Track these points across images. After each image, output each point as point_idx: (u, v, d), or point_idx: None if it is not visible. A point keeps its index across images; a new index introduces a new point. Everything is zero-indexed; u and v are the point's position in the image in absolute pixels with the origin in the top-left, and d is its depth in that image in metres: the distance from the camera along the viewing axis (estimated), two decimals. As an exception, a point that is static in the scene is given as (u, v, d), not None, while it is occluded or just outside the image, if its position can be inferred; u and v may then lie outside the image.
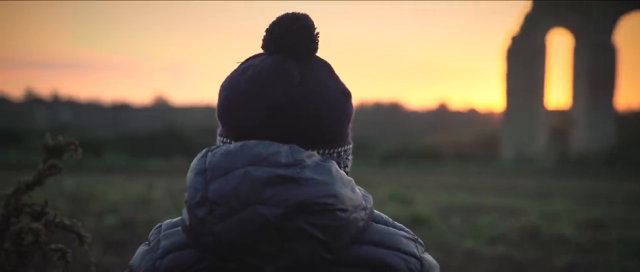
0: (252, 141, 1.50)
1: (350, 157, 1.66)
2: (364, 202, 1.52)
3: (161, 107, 54.10)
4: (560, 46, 50.23)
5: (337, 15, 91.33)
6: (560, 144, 30.85)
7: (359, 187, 1.56)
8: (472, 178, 22.63)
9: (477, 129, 37.64)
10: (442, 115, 47.78)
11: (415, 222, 11.57)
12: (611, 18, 29.86)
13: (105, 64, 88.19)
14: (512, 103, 30.61)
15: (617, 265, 8.93)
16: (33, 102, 49.63)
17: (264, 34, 1.60)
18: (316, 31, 1.59)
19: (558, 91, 67.64)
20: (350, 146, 1.65)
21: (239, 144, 1.50)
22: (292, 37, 1.58)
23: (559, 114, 33.98)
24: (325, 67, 1.61)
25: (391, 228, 1.58)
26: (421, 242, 1.62)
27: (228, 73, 1.63)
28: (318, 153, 1.55)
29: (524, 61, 29.97)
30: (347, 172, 1.64)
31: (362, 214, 1.50)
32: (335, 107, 1.58)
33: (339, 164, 1.60)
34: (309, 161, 1.47)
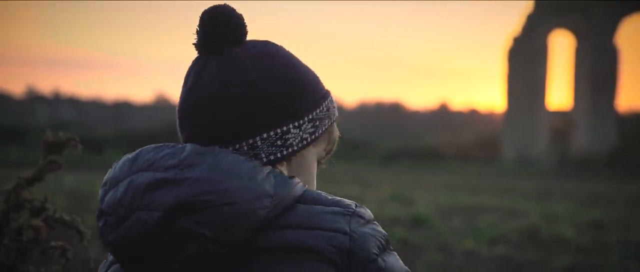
0: (149, 147, 1.56)
1: (284, 138, 1.59)
2: (272, 190, 1.48)
3: (162, 106, 54.14)
4: (561, 47, 50.25)
5: (340, 15, 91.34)
6: (561, 146, 30.85)
7: (281, 171, 1.55)
8: (472, 179, 22.63)
9: (478, 129, 37.64)
10: (443, 115, 47.80)
11: (415, 223, 11.57)
12: (613, 20, 29.85)
13: (106, 62, 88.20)
14: (513, 104, 30.60)
15: (618, 266, 8.93)
16: (34, 99, 49.67)
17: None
18: (227, 23, 1.59)
19: (559, 93, 67.63)
20: (279, 129, 1.58)
21: (136, 151, 1.56)
22: (202, 33, 1.60)
23: (560, 115, 33.97)
24: (231, 61, 1.58)
25: (319, 206, 1.53)
26: (362, 214, 1.54)
27: None
28: (229, 148, 1.56)
29: (526, 62, 29.97)
30: (275, 158, 1.59)
31: (266, 202, 1.46)
32: (233, 102, 1.55)
33: (257, 155, 1.58)
34: (198, 159, 1.49)
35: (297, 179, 1.56)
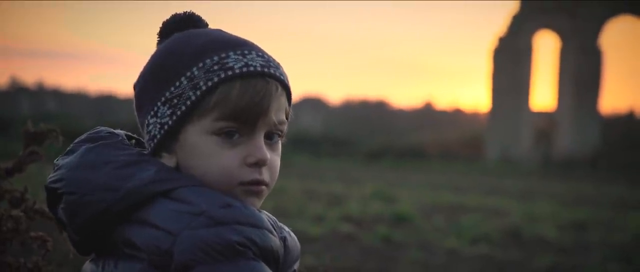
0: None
1: (148, 131, 1.57)
2: (119, 183, 1.45)
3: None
4: (546, 48, 50.37)
5: (325, 13, 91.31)
6: (545, 146, 30.94)
7: (152, 168, 1.48)
8: (456, 177, 22.66)
9: (462, 128, 37.68)
10: (427, 114, 47.78)
11: (398, 220, 11.58)
12: (598, 21, 29.96)
13: (91, 54, 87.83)
14: (497, 103, 30.66)
15: (599, 267, 8.96)
16: (18, 90, 49.37)
17: None
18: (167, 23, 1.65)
19: (543, 93, 67.86)
20: (144, 122, 1.58)
21: None
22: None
23: (544, 115, 34.07)
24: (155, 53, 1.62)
25: (175, 204, 1.41)
26: (213, 215, 1.38)
27: None
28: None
29: (510, 62, 30.02)
30: (151, 148, 1.56)
31: (107, 195, 1.44)
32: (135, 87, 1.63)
33: (142, 151, 1.58)
34: (77, 146, 1.58)
35: (175, 173, 1.49)
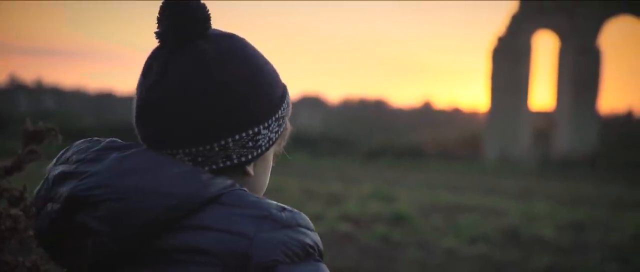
0: (79, 141, 1.61)
1: (255, 140, 1.57)
2: (175, 189, 1.43)
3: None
4: (545, 48, 50.40)
5: (323, 11, 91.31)
6: (543, 145, 30.96)
7: (219, 179, 1.49)
8: (454, 177, 22.69)
9: (461, 128, 37.70)
10: (426, 113, 47.81)
11: (396, 220, 11.59)
12: (596, 21, 29.98)
13: (90, 52, 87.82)
14: (496, 103, 30.67)
15: (596, 267, 8.98)
16: (16, 88, 49.39)
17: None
18: (193, 15, 1.53)
19: (542, 93, 67.88)
20: (250, 130, 1.56)
21: (69, 146, 1.61)
22: (163, 25, 1.54)
23: (542, 115, 34.09)
24: (198, 57, 1.53)
25: (236, 209, 1.45)
26: (278, 218, 1.45)
27: None
28: (179, 153, 1.54)
29: (509, 62, 30.04)
30: (247, 160, 1.57)
31: (162, 201, 1.42)
32: (205, 103, 1.52)
33: (228, 156, 1.55)
34: (104, 155, 1.51)
35: (220, 179, 1.50)
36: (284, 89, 1.65)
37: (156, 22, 1.55)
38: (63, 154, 1.59)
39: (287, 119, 1.67)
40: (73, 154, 1.55)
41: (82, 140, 1.61)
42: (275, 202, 1.51)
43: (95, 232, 1.43)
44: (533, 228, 11.42)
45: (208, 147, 1.54)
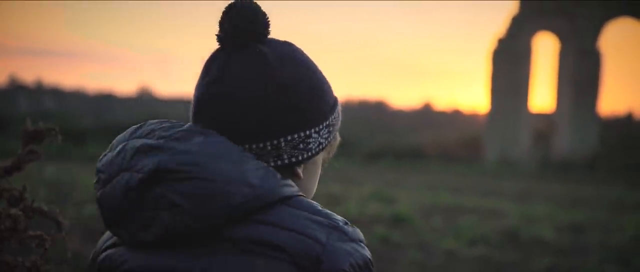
0: (153, 121, 1.61)
1: (306, 142, 1.63)
2: (256, 181, 1.48)
3: (145, 98, 53.87)
4: (545, 49, 50.42)
5: (324, 12, 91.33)
6: (543, 147, 30.95)
7: (289, 181, 1.56)
8: (454, 178, 22.67)
9: (461, 129, 37.69)
10: (426, 114, 47.80)
11: (396, 221, 11.59)
12: (597, 23, 29.97)
13: (90, 53, 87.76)
14: (496, 105, 30.66)
15: (596, 269, 8.98)
16: (16, 89, 49.38)
17: None
18: (253, 19, 1.59)
19: (542, 94, 67.93)
20: (302, 133, 1.62)
21: (143, 123, 1.62)
22: (224, 27, 1.60)
23: (542, 117, 34.08)
24: (258, 58, 1.59)
25: (304, 213, 1.53)
26: (346, 231, 1.53)
27: None
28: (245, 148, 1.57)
29: (509, 63, 30.03)
30: (297, 161, 1.63)
31: (244, 189, 1.46)
32: (262, 102, 1.57)
33: (279, 156, 1.60)
34: (189, 135, 1.52)
35: (290, 182, 1.57)
36: (335, 100, 1.73)
37: (218, 25, 1.60)
38: (137, 129, 1.60)
39: (337, 129, 1.73)
40: (156, 130, 1.55)
41: (156, 120, 1.61)
42: (339, 216, 1.59)
43: (175, 206, 1.45)
44: (533, 230, 11.42)
45: (261, 145, 1.59)
